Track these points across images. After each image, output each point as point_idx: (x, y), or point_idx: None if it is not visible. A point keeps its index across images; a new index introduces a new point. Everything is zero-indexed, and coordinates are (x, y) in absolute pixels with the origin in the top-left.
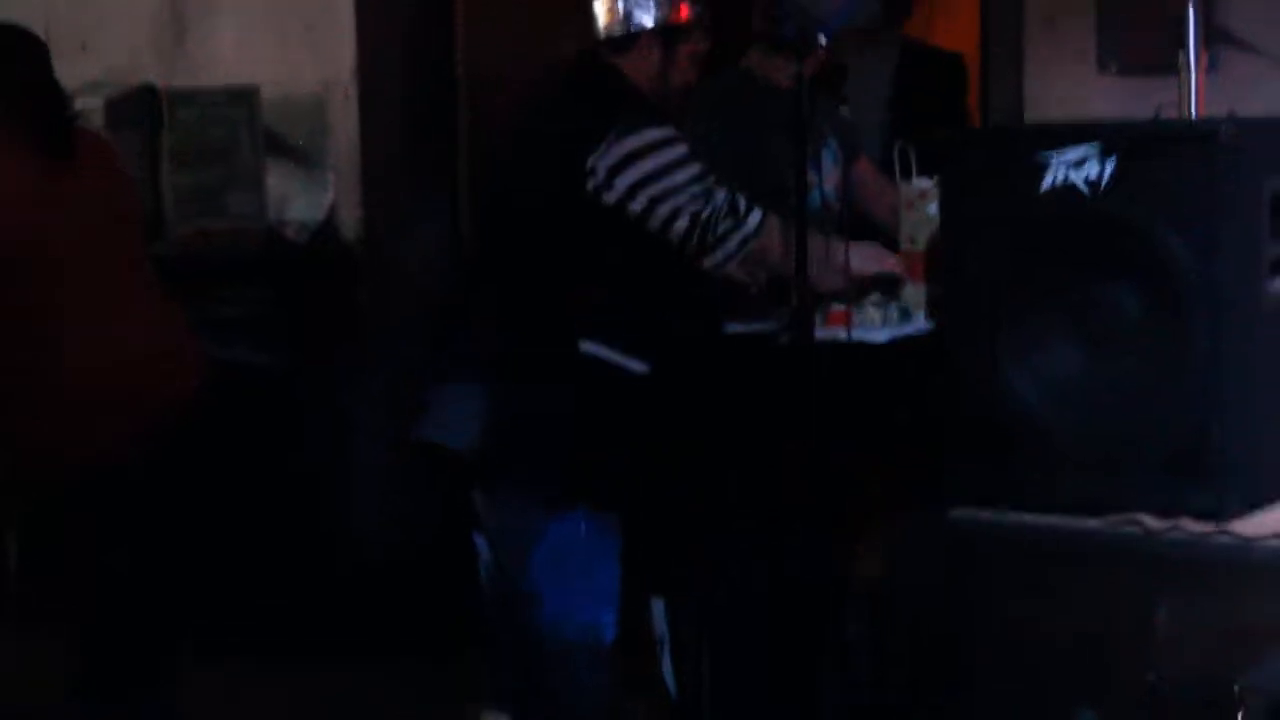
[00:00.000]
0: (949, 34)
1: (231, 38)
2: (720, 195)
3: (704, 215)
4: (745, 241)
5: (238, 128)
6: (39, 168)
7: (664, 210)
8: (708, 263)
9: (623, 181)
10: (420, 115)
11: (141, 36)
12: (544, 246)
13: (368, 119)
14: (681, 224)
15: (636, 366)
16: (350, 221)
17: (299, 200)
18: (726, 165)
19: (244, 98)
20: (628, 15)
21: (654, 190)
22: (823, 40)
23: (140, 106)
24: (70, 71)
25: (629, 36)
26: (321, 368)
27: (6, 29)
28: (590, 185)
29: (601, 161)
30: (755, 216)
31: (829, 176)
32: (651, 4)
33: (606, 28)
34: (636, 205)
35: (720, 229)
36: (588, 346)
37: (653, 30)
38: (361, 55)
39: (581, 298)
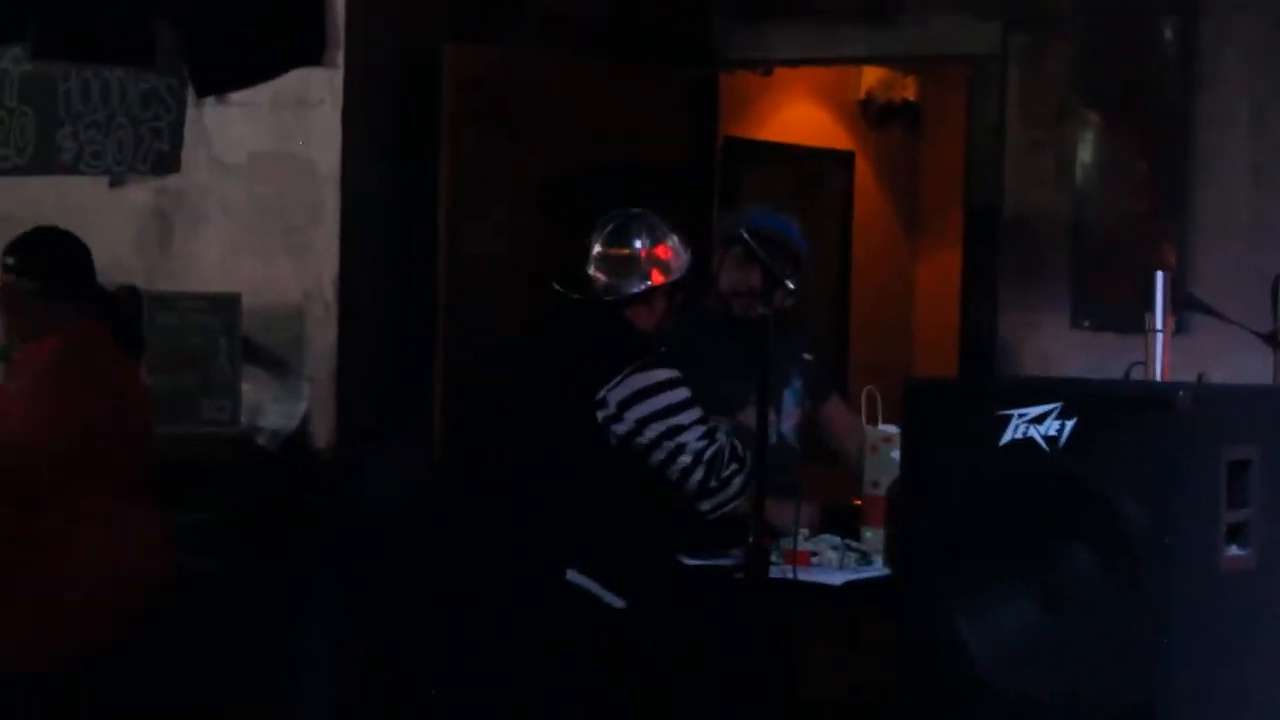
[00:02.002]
0: (930, 277)
1: (216, 244)
2: (723, 438)
3: (707, 456)
4: (747, 484)
5: (216, 334)
6: (126, 364)
7: (670, 445)
8: (707, 504)
9: (632, 415)
10: (399, 329)
11: (126, 238)
12: (538, 469)
13: (346, 331)
14: (685, 460)
15: (615, 602)
16: (323, 432)
17: (273, 408)
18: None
19: (225, 305)
20: (634, 271)
21: (662, 426)
22: (790, 286)
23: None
24: None
25: (639, 294)
26: (275, 576)
27: (71, 236)
28: (601, 416)
29: (613, 394)
30: (750, 459)
31: (789, 416)
32: (650, 262)
33: (608, 280)
34: (644, 439)
35: (725, 472)
36: (574, 577)
37: (664, 287)
38: (344, 268)
39: (572, 525)
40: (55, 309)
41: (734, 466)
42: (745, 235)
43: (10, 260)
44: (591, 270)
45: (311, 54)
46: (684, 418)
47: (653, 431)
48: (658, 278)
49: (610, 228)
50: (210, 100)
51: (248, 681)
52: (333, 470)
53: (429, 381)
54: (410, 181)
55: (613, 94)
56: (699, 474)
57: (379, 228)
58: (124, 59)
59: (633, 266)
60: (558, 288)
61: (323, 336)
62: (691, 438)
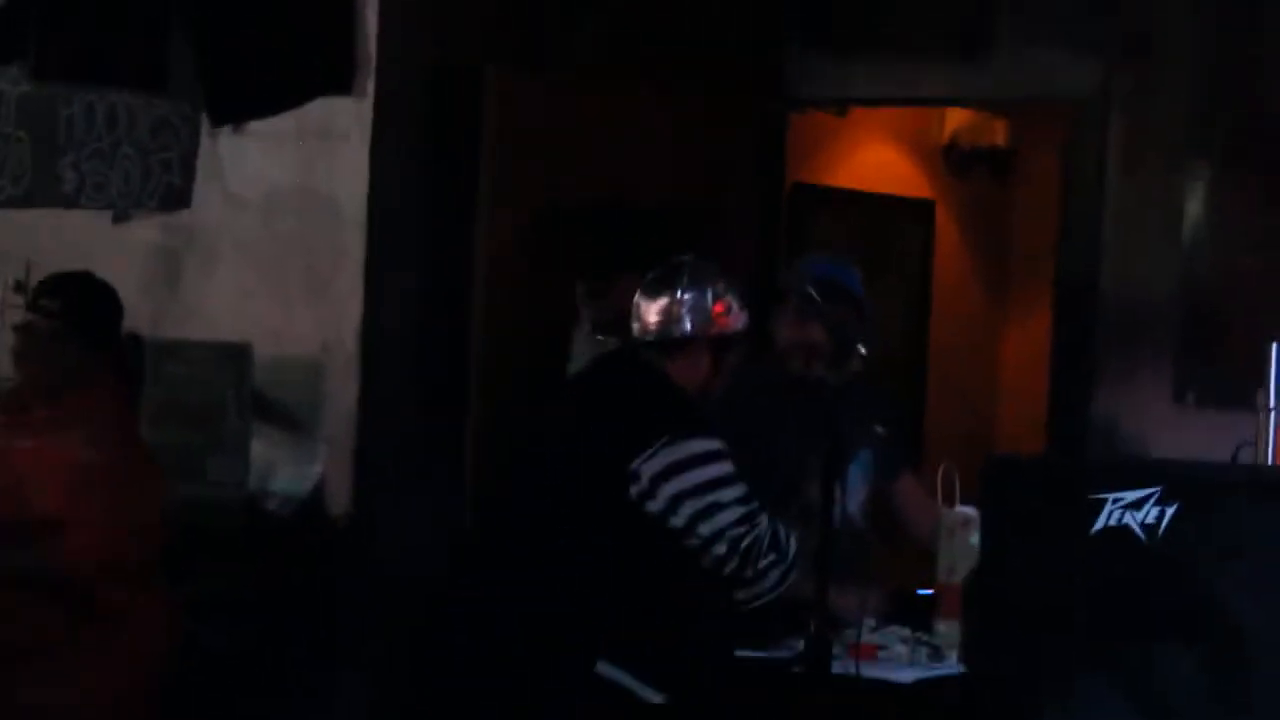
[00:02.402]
0: (1017, 343)
1: (228, 287)
2: (764, 522)
3: (745, 543)
4: (786, 577)
5: (225, 387)
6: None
7: (705, 530)
8: (743, 594)
9: (666, 490)
10: (427, 389)
11: (130, 279)
12: (567, 549)
13: (369, 388)
14: (720, 549)
15: (653, 697)
16: (339, 498)
17: (285, 471)
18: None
19: (235, 355)
20: (676, 319)
21: (698, 505)
22: (863, 350)
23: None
24: None
25: (679, 342)
26: (288, 653)
27: (107, 284)
28: (634, 491)
29: (646, 467)
30: (794, 546)
31: (855, 493)
32: (697, 306)
33: (652, 329)
34: (678, 520)
35: (763, 563)
36: (605, 669)
37: (708, 340)
38: (367, 316)
39: (603, 613)
40: (84, 362)
41: (772, 557)
42: (812, 293)
43: (43, 301)
44: (633, 319)
45: (338, 81)
46: (722, 495)
47: (687, 510)
48: (701, 328)
49: (655, 274)
50: (226, 130)
51: None
52: (350, 538)
53: (459, 442)
54: (443, 222)
55: (671, 129)
56: (733, 563)
57: (408, 273)
58: (133, 82)
59: (673, 313)
60: (598, 337)
61: (343, 392)
62: (728, 520)
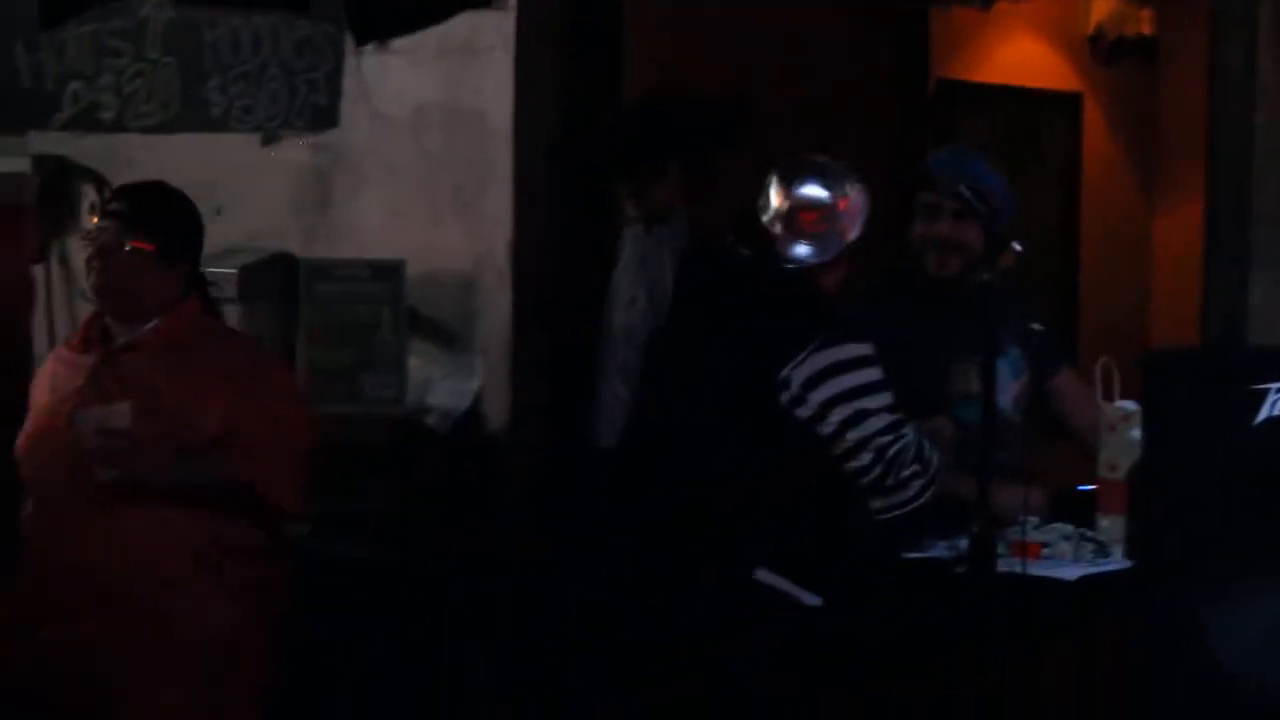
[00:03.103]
0: (1169, 234)
1: (378, 207)
2: (909, 433)
3: (891, 452)
4: (926, 489)
5: (380, 305)
6: None
7: (852, 437)
8: (880, 504)
9: (816, 397)
10: (577, 303)
11: (282, 201)
12: (720, 457)
13: (522, 300)
14: (866, 457)
15: (810, 600)
16: (498, 412)
17: (442, 386)
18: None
19: (388, 272)
20: (843, 229)
21: (846, 412)
22: (1017, 247)
23: (276, 276)
24: (204, 232)
25: (818, 250)
26: (445, 570)
27: (184, 195)
28: (784, 398)
29: (797, 373)
30: (937, 460)
31: (1005, 388)
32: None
33: (795, 245)
34: (827, 426)
35: (905, 473)
36: (763, 575)
37: (844, 247)
38: (519, 231)
39: (758, 522)
40: (163, 279)
41: (915, 468)
42: (965, 192)
43: (112, 205)
44: (775, 227)
45: None
46: (871, 401)
47: (836, 416)
48: (849, 234)
49: (796, 177)
50: (370, 48)
51: (411, 677)
52: (507, 451)
53: None
54: (591, 134)
55: (813, 29)
56: (876, 471)
57: (557, 185)
58: (276, 4)
59: (826, 223)
60: (736, 245)
61: (496, 307)
62: (875, 427)
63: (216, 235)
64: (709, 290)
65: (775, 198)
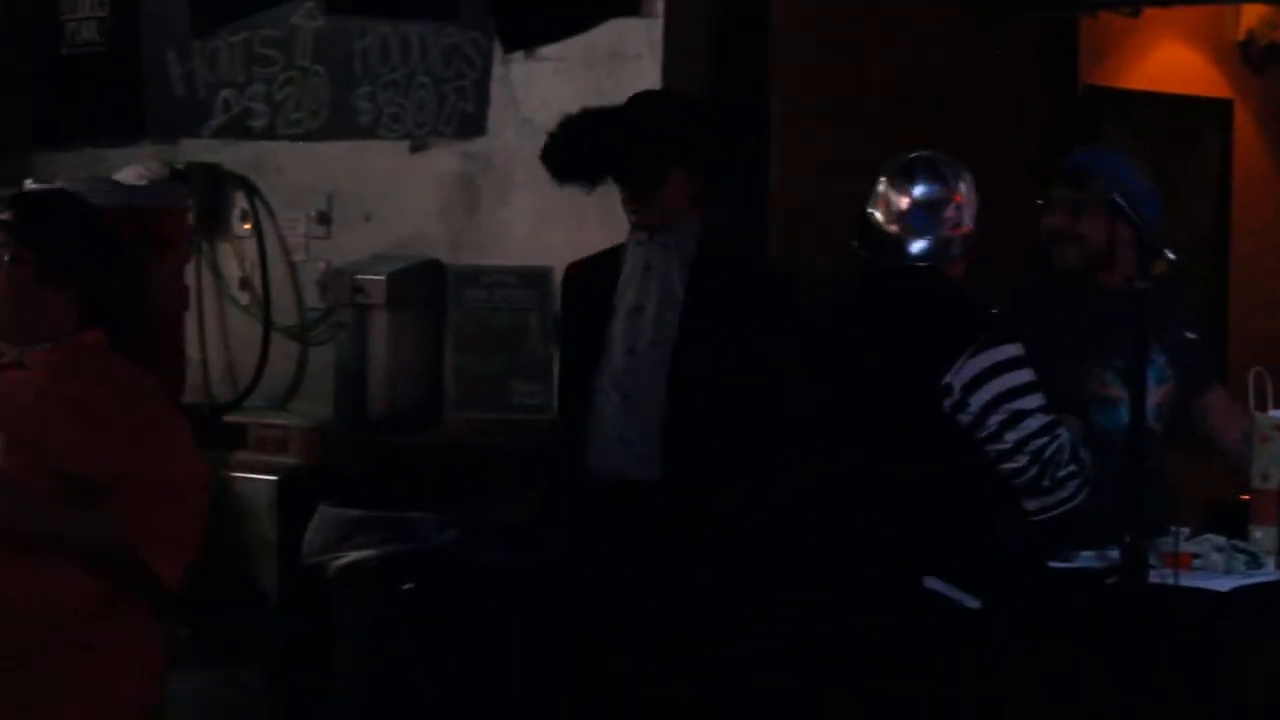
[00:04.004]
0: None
1: (526, 213)
2: (1064, 433)
3: (1047, 453)
4: (1082, 489)
5: (527, 311)
6: None
7: (1010, 438)
8: (1035, 505)
9: (977, 400)
10: None
11: (429, 208)
12: (883, 464)
13: None
14: (1023, 459)
15: (970, 602)
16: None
17: None
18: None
19: (536, 279)
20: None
21: (1004, 413)
22: (1170, 255)
23: (424, 283)
24: (352, 243)
25: (941, 247)
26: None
27: (66, 194)
28: (947, 404)
29: (957, 378)
30: (1089, 460)
31: (1148, 394)
32: (971, 207)
33: (913, 242)
34: (986, 429)
35: (1062, 473)
36: (931, 583)
37: (963, 241)
38: None
39: (925, 529)
40: (58, 299)
41: (1072, 468)
42: (1118, 200)
43: (6, 216)
44: (892, 227)
45: (627, 2)
46: (1027, 401)
47: (996, 419)
48: (966, 226)
49: (911, 173)
50: (518, 55)
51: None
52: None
53: None
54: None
55: (961, 35)
56: (1032, 472)
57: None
58: (425, 12)
59: (946, 218)
60: (859, 249)
61: None
62: (1032, 428)
63: (365, 242)
64: (864, 299)
65: (892, 197)
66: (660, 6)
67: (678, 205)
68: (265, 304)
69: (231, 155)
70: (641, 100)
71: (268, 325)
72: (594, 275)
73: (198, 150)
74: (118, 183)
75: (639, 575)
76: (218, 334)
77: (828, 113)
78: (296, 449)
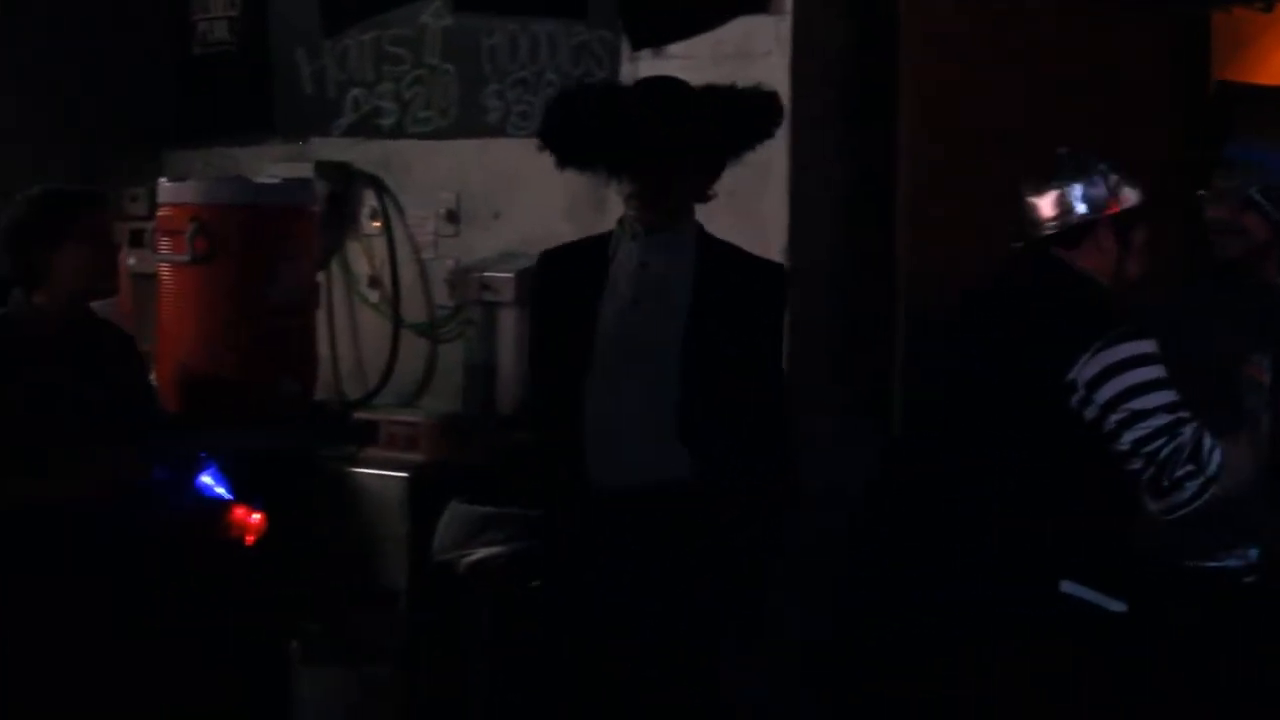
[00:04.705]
0: None
1: None
2: (1187, 431)
3: (1163, 455)
4: (1204, 490)
5: None
6: None
7: (1127, 439)
8: (1157, 506)
9: (1099, 397)
10: (855, 300)
11: (557, 205)
12: (1017, 468)
13: (798, 301)
14: (1138, 461)
15: (1115, 606)
16: None
17: None
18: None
19: None
20: (1069, 207)
21: (1123, 412)
22: None
23: None
24: (480, 240)
25: (1079, 228)
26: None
27: None
28: (1073, 401)
29: (1082, 375)
30: (1217, 458)
31: None
32: (1088, 191)
33: (1050, 221)
34: (1108, 426)
35: (1179, 473)
36: (1068, 587)
37: (1107, 220)
38: (794, 235)
39: (1061, 531)
40: None
41: (1189, 468)
42: (1256, 196)
43: None
44: (1025, 220)
45: (755, 0)
46: (1147, 401)
47: (1115, 418)
48: (1097, 207)
49: (1059, 164)
50: (646, 53)
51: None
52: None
53: (888, 357)
54: (866, 138)
55: (1092, 33)
56: (1150, 473)
57: (833, 190)
58: (553, 10)
59: (1065, 202)
60: (1013, 243)
61: None
62: (1148, 429)
63: (493, 240)
64: (997, 294)
65: (1037, 186)
66: (789, 3)
67: (684, 203)
68: (395, 301)
69: (361, 154)
70: (657, 88)
71: (397, 322)
72: (574, 266)
73: (327, 149)
74: (247, 180)
75: (644, 580)
76: (348, 331)
77: (957, 110)
78: (426, 445)
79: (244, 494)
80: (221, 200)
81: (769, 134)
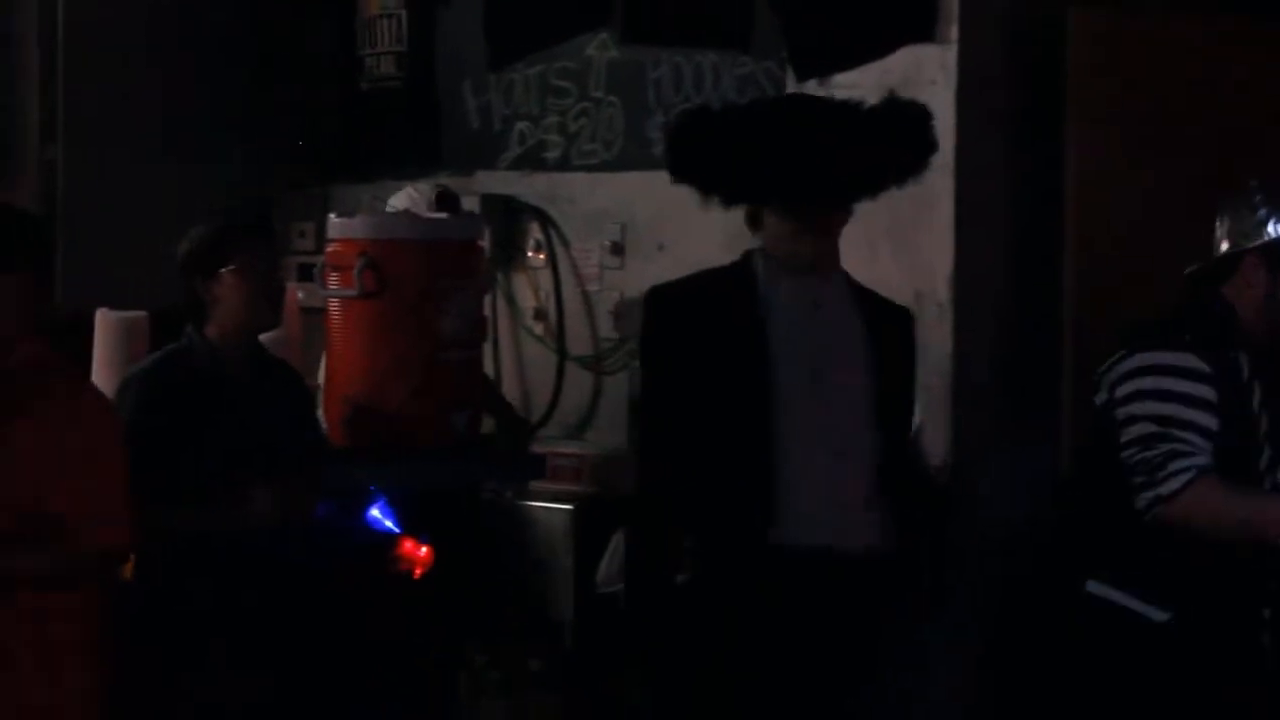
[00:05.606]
0: None
1: None
2: (1163, 448)
3: (1132, 461)
4: (1151, 506)
5: None
6: None
7: (1124, 440)
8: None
9: (1116, 395)
10: (1021, 330)
11: (721, 237)
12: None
13: (962, 334)
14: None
15: (1157, 615)
16: (938, 445)
17: None
18: None
19: None
20: (1218, 240)
21: (1119, 415)
22: None
23: None
24: (645, 272)
25: (1226, 260)
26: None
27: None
28: (1098, 399)
29: (1109, 375)
30: (1175, 483)
31: None
32: (1236, 224)
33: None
34: (1118, 424)
35: (1137, 480)
36: (1102, 589)
37: (1255, 250)
38: (959, 265)
39: (1096, 533)
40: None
41: (1142, 479)
42: None
43: None
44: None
45: (922, 29)
46: (1141, 408)
47: (1118, 417)
48: (1238, 240)
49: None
50: (812, 84)
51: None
52: (950, 487)
53: (1055, 387)
54: (1032, 167)
55: (1255, 55)
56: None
57: (998, 219)
58: (718, 42)
59: (1216, 235)
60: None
61: (937, 341)
62: (1131, 435)
63: (657, 271)
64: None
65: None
66: (954, 32)
67: (839, 234)
68: (559, 334)
69: (527, 186)
70: (809, 107)
71: (562, 355)
72: (714, 308)
73: (493, 182)
74: (414, 216)
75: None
76: (513, 364)
77: (1125, 140)
78: (591, 478)
79: (412, 527)
80: (389, 235)
81: (936, 146)
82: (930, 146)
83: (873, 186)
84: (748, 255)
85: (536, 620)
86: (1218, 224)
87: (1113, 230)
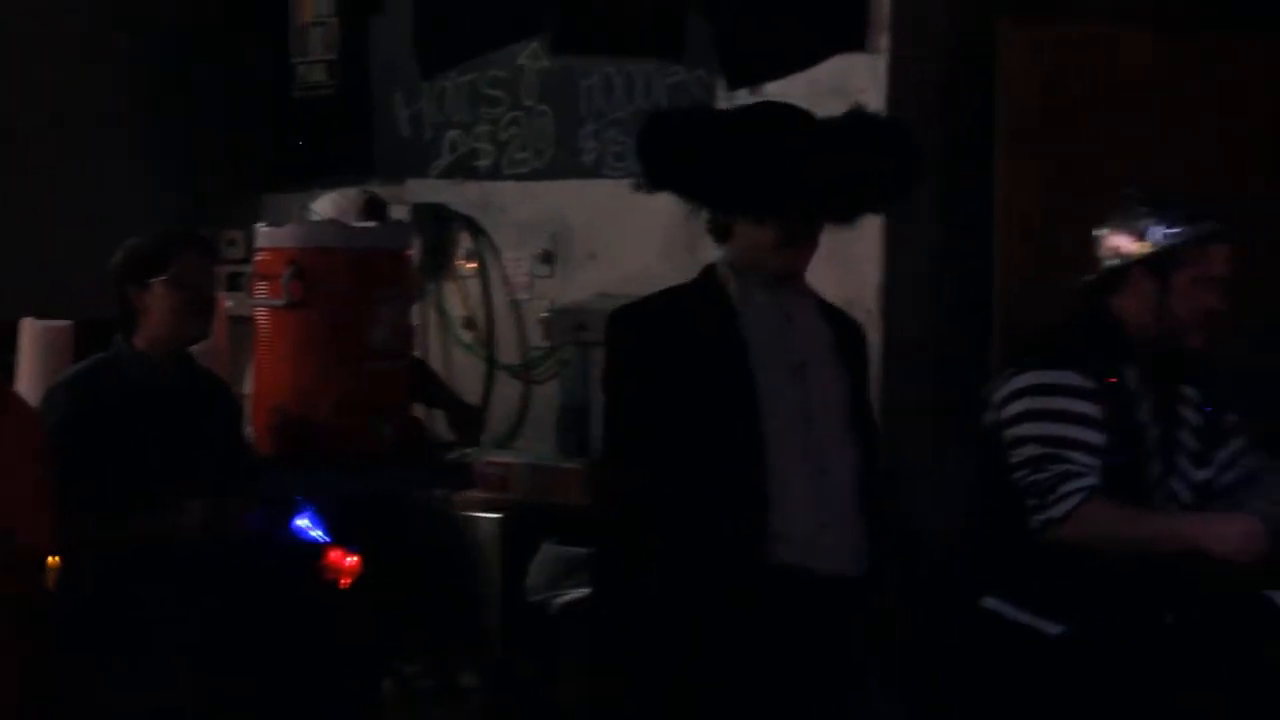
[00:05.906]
0: None
1: None
2: (1056, 469)
3: (1023, 484)
4: (1045, 527)
5: None
6: None
7: (1013, 460)
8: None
9: (1003, 417)
10: (949, 341)
11: (653, 246)
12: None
13: (891, 344)
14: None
15: (1050, 629)
16: None
17: None
18: None
19: None
20: (1104, 253)
21: (1007, 436)
22: None
23: None
24: (576, 281)
25: (1119, 271)
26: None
27: None
28: (988, 417)
29: (998, 393)
30: (1065, 505)
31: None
32: (1118, 236)
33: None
34: (1007, 444)
35: (1030, 502)
36: (993, 603)
37: (1138, 263)
38: (888, 275)
39: (987, 547)
40: None
41: (1035, 501)
42: None
43: None
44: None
45: (852, 39)
46: (1027, 429)
47: (1006, 438)
48: (1124, 254)
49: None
50: (742, 93)
51: None
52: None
53: (979, 400)
54: (963, 175)
55: (1199, 70)
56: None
57: (927, 229)
58: (649, 51)
59: (1102, 246)
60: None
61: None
62: (1019, 457)
63: (588, 281)
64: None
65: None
66: (885, 42)
67: (753, 247)
68: (489, 342)
69: (458, 195)
70: (801, 118)
71: (491, 363)
72: (688, 325)
73: (424, 190)
74: (343, 225)
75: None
76: (442, 372)
77: (1054, 150)
78: (520, 486)
79: (340, 537)
80: (317, 244)
81: (925, 170)
82: (921, 168)
83: (870, 202)
84: (709, 269)
85: (466, 629)
86: (1105, 236)
87: (1043, 238)
